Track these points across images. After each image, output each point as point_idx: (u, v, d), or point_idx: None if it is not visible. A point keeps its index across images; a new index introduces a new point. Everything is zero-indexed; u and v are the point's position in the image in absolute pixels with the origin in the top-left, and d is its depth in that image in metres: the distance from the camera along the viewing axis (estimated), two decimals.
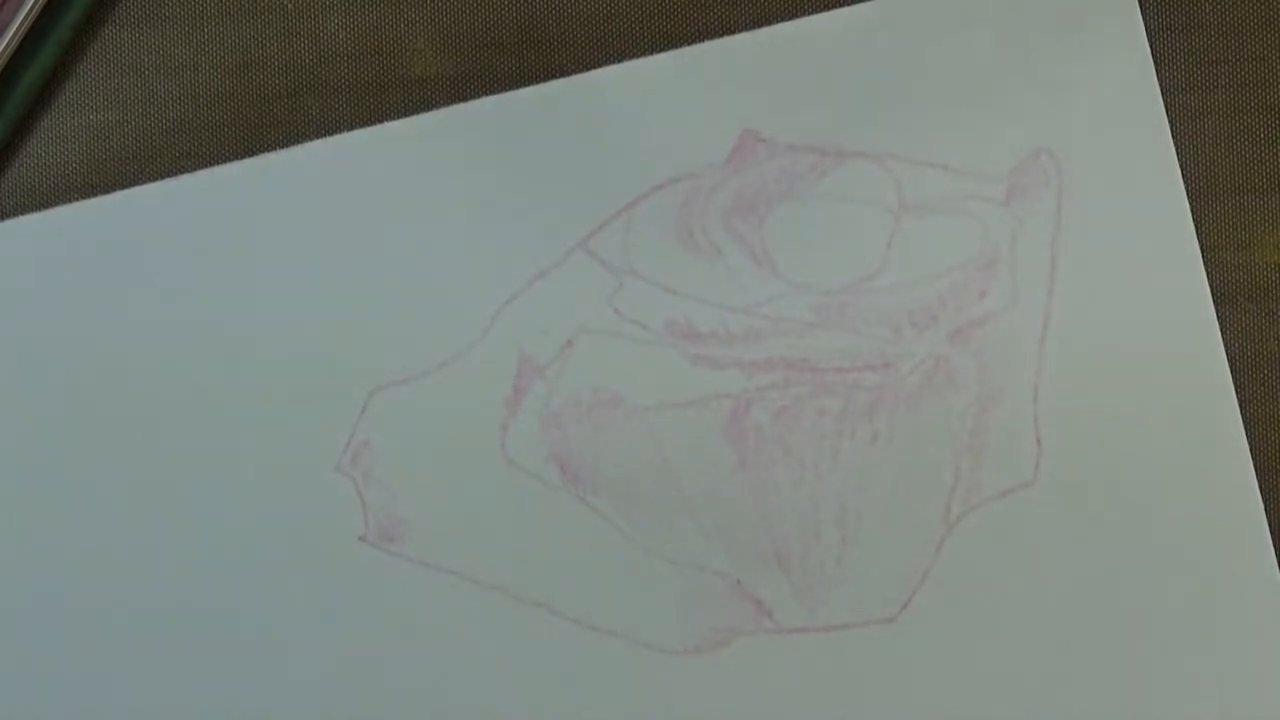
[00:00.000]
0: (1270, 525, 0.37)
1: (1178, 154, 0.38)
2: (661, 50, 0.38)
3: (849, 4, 0.38)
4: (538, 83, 0.38)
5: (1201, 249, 0.38)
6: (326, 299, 0.38)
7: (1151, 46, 0.38)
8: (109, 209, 0.38)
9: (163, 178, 0.38)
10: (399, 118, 0.38)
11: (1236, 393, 0.37)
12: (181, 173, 0.38)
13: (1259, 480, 0.37)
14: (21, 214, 0.38)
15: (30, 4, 0.38)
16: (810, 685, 0.37)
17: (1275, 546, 0.37)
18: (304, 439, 0.37)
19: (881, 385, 0.38)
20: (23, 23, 0.38)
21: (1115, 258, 0.38)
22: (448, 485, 0.37)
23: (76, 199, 0.38)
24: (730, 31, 0.38)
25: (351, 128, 0.38)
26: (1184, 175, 0.38)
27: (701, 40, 0.38)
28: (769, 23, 0.38)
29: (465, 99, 0.38)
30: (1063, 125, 0.38)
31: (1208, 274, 0.38)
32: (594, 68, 0.38)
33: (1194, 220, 0.38)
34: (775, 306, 0.38)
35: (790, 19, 0.38)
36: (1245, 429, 0.37)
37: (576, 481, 0.37)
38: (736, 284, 0.38)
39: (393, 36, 0.39)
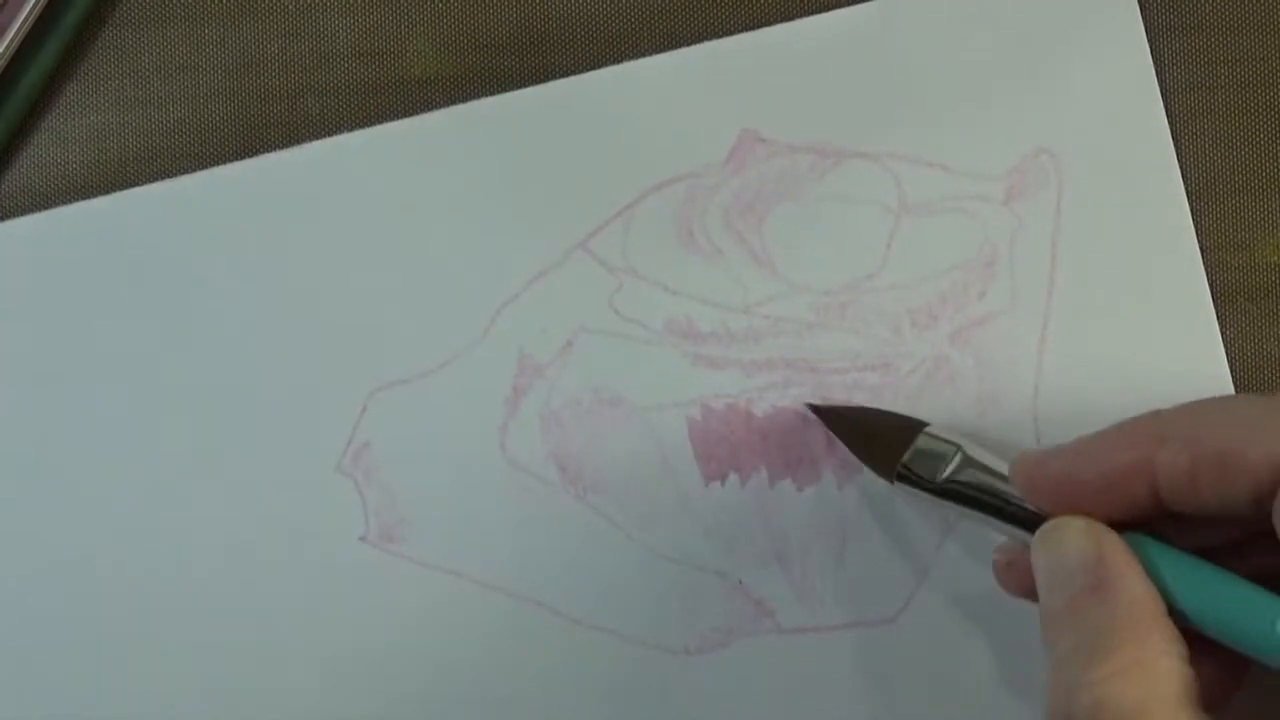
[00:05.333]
0: None
1: (1178, 154, 0.38)
2: (661, 50, 0.38)
3: (849, 4, 0.38)
4: (538, 83, 0.38)
5: (1201, 249, 0.38)
6: (326, 299, 0.38)
7: (1152, 46, 0.38)
8: (109, 209, 0.38)
9: (163, 178, 0.38)
10: (399, 118, 0.38)
11: (1236, 392, 0.37)
12: (181, 173, 0.38)
13: None
14: (22, 214, 0.38)
15: (31, 4, 0.38)
16: (810, 685, 0.37)
17: None
18: (304, 439, 0.37)
19: (881, 385, 0.38)
20: (24, 23, 0.38)
21: (1115, 258, 0.38)
22: (448, 485, 0.37)
23: (77, 199, 0.38)
24: (730, 32, 0.38)
25: (351, 128, 0.38)
26: (1184, 175, 0.38)
27: (701, 40, 0.38)
28: (769, 23, 0.38)
29: (465, 99, 0.38)
30: (1063, 125, 0.38)
31: (1208, 274, 0.38)
32: (594, 68, 0.38)
33: (1194, 220, 0.38)
34: (775, 306, 0.38)
35: (790, 20, 0.38)
36: None
37: (576, 481, 0.37)
38: (736, 284, 0.38)
39: (392, 37, 0.39)
